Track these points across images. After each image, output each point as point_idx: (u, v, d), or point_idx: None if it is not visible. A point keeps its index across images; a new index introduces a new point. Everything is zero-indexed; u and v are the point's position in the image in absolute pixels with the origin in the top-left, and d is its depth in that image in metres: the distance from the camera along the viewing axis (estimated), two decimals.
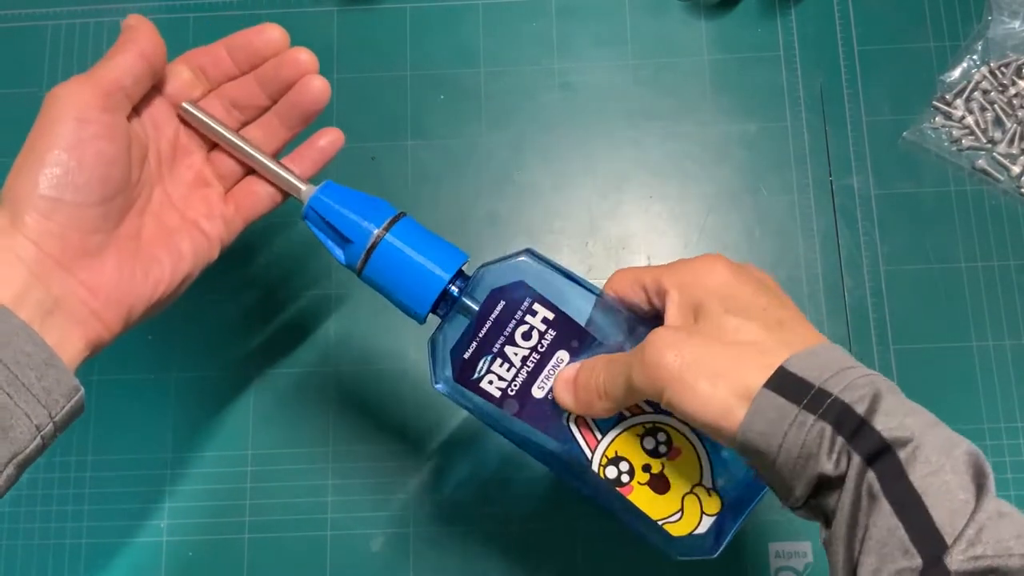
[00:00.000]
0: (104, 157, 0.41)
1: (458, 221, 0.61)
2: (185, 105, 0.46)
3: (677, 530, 0.43)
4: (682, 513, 0.43)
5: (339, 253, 0.45)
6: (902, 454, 0.34)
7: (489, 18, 0.64)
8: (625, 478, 0.43)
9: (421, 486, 0.57)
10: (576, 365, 0.43)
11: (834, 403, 0.35)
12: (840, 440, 0.35)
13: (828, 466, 0.35)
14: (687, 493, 0.43)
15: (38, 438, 0.39)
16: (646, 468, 0.43)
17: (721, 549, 0.43)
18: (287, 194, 0.48)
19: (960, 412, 0.57)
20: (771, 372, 0.37)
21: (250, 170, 0.48)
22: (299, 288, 0.60)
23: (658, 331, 0.39)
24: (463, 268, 0.44)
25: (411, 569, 0.56)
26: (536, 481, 0.57)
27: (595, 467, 0.43)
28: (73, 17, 0.65)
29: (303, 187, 0.46)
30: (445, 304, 0.44)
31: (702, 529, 0.43)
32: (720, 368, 0.37)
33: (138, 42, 0.43)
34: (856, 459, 0.35)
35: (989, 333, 0.58)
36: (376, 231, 0.44)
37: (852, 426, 0.35)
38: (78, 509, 0.57)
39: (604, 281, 0.44)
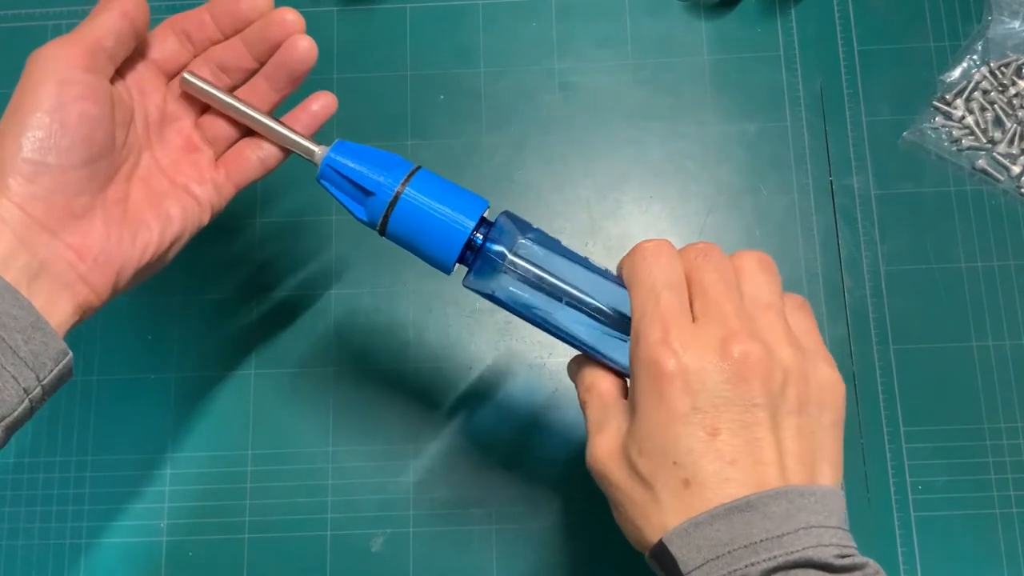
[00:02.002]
0: (88, 118, 0.41)
1: None
2: (186, 76, 0.46)
3: None
4: None
5: (360, 211, 0.45)
6: None
7: (489, 18, 0.64)
8: None
9: (421, 486, 0.57)
10: (575, 367, 0.44)
11: None
12: None
13: None
14: None
15: (26, 401, 0.39)
16: None
17: None
18: (279, 160, 0.48)
19: (960, 412, 0.57)
20: (657, 538, 0.36)
21: (241, 136, 0.48)
22: (299, 288, 0.60)
23: (594, 446, 0.40)
24: (484, 214, 0.44)
25: (411, 569, 0.56)
26: (538, 481, 0.57)
27: None
28: (73, 17, 0.65)
29: (316, 148, 0.46)
30: (471, 252, 0.44)
31: None
32: (625, 517, 0.38)
33: (120, 1, 0.43)
34: None
35: (989, 333, 0.58)
36: (396, 187, 0.43)
37: None
38: (78, 509, 0.57)
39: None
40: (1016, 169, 0.60)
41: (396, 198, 0.43)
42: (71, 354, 0.41)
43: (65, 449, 0.58)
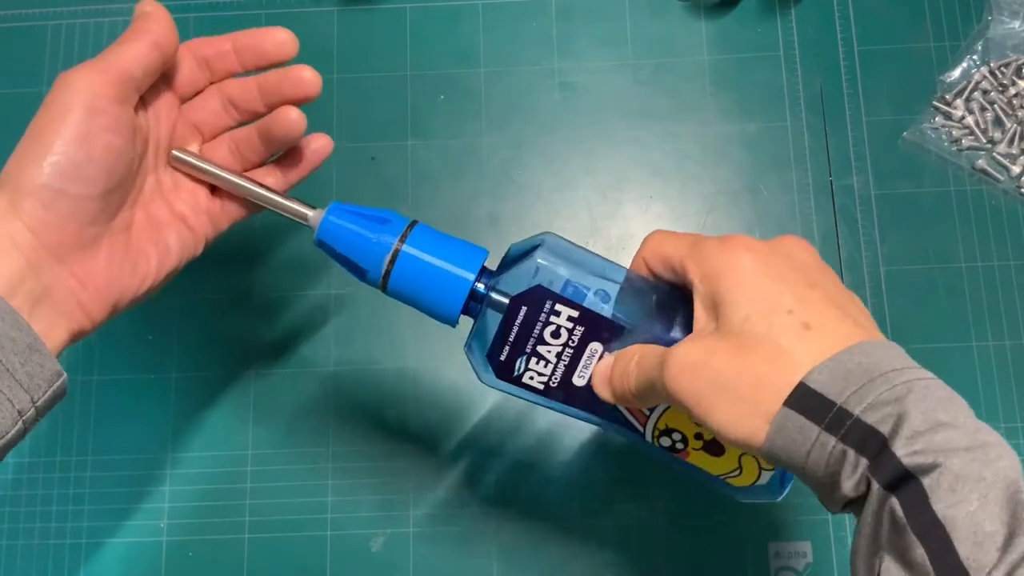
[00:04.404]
0: (112, 150, 0.41)
1: (458, 221, 0.61)
2: (176, 153, 0.46)
3: (739, 482, 0.44)
4: (741, 470, 0.43)
5: (359, 271, 0.44)
6: (926, 481, 0.32)
7: (489, 18, 0.64)
8: (680, 445, 0.44)
9: (421, 486, 0.57)
10: (610, 360, 0.42)
11: (855, 424, 0.34)
12: (863, 462, 0.34)
13: (848, 488, 0.34)
14: (743, 453, 0.43)
15: (20, 423, 0.39)
16: (698, 436, 0.43)
17: (785, 493, 0.43)
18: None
19: None
20: (791, 389, 0.35)
21: (243, 168, 0.48)
22: (299, 288, 0.60)
23: (677, 351, 0.38)
24: (485, 264, 0.44)
25: (411, 569, 0.56)
26: (537, 481, 0.57)
27: (648, 438, 0.44)
28: (73, 17, 0.65)
29: (310, 213, 0.45)
30: (475, 303, 0.43)
31: (763, 481, 0.43)
32: (740, 389, 0.36)
33: (152, 31, 0.42)
34: (875, 485, 0.33)
35: (989, 333, 0.58)
36: (393, 243, 0.43)
37: (874, 449, 0.33)
38: (78, 509, 0.57)
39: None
40: (1016, 169, 0.60)
41: (396, 254, 0.43)
42: (65, 375, 0.40)
43: (65, 449, 0.58)
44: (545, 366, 0.43)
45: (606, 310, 0.42)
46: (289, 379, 0.59)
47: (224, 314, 0.60)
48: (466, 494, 0.57)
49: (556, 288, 0.42)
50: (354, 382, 0.59)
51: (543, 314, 0.42)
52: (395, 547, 0.56)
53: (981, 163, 0.60)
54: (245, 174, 0.47)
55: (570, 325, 0.42)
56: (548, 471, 0.57)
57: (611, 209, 0.61)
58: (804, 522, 0.56)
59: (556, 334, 0.42)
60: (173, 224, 0.46)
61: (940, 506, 0.32)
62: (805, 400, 0.35)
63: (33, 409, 0.39)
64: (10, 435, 0.39)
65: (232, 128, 0.48)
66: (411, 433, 0.58)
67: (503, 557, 0.56)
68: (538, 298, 0.42)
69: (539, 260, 0.42)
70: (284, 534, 0.56)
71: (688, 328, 0.40)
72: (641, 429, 0.44)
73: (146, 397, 0.59)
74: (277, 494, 0.57)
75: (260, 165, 0.48)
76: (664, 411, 0.43)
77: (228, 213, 0.48)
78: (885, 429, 0.33)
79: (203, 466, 0.58)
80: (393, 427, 0.58)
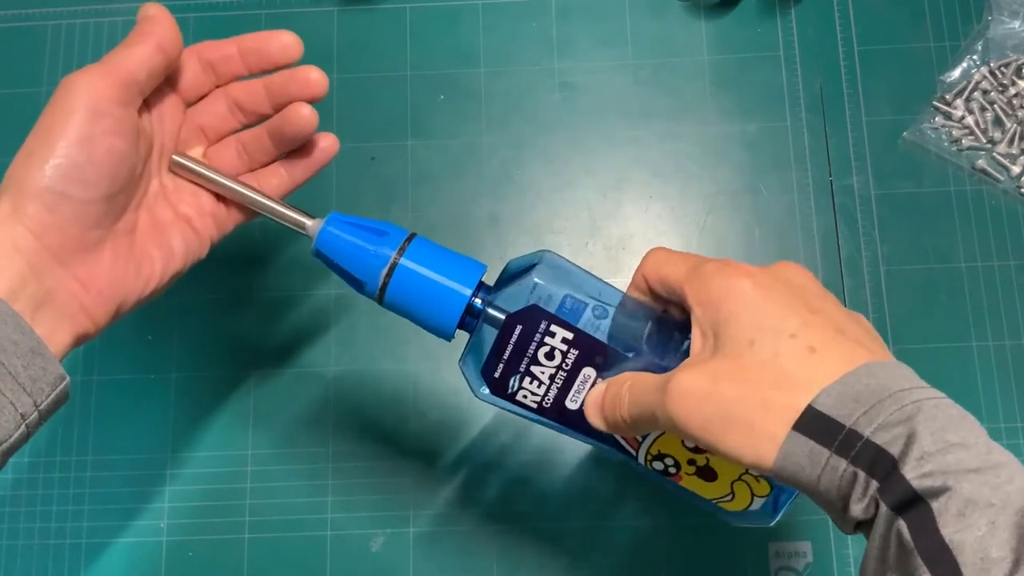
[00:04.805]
0: (115, 153, 0.41)
1: (458, 221, 0.61)
2: (176, 158, 0.46)
3: (731, 507, 0.44)
4: (733, 495, 0.43)
5: (356, 283, 0.44)
6: (935, 505, 0.32)
7: (489, 18, 0.64)
8: (672, 470, 0.44)
9: (421, 486, 0.57)
10: (602, 387, 0.42)
11: (866, 446, 0.33)
12: (873, 484, 0.33)
13: (858, 511, 0.34)
14: (735, 480, 0.43)
15: (23, 427, 0.39)
16: (691, 462, 0.43)
17: (778, 518, 0.43)
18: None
19: None
20: (799, 413, 0.35)
21: (247, 170, 0.48)
22: (300, 288, 0.60)
23: (680, 378, 0.37)
24: (482, 279, 0.44)
25: (411, 569, 0.56)
26: (536, 481, 0.57)
27: (641, 461, 0.44)
28: (73, 17, 0.65)
29: (309, 222, 0.45)
30: (471, 318, 0.43)
31: (756, 507, 0.43)
32: (747, 416, 0.36)
33: (156, 34, 0.42)
34: (884, 507, 0.33)
35: (989, 333, 0.58)
36: (391, 256, 0.43)
37: (884, 471, 0.33)
38: (78, 509, 0.57)
39: (615, 281, 0.44)
40: (1016, 169, 0.60)
41: (393, 266, 0.43)
42: (68, 379, 0.40)
43: (65, 449, 0.58)
44: (539, 387, 0.43)
45: (602, 330, 0.42)
46: (290, 379, 0.59)
47: (224, 314, 0.60)
48: (466, 494, 0.57)
49: (551, 307, 0.42)
50: (355, 382, 0.59)
51: (538, 334, 0.42)
52: (395, 547, 0.56)
53: (981, 163, 0.60)
54: (244, 181, 0.47)
55: (564, 348, 0.42)
56: (549, 470, 0.57)
57: (611, 209, 0.61)
58: (804, 522, 0.56)
59: (550, 355, 0.42)
60: (178, 227, 0.46)
61: (948, 531, 0.32)
62: (814, 423, 0.35)
63: (36, 413, 0.39)
64: (13, 439, 0.39)
65: (238, 131, 0.48)
66: (411, 434, 0.58)
67: (503, 556, 0.56)
68: (533, 317, 0.42)
69: (536, 279, 0.42)
70: (284, 534, 0.56)
71: (682, 355, 0.40)
72: (634, 453, 0.44)
73: (146, 397, 0.59)
74: (277, 494, 0.57)
75: (268, 165, 0.48)
76: (657, 437, 0.43)
77: (233, 216, 0.48)
78: (895, 450, 0.33)
79: (203, 466, 0.58)
80: (393, 428, 0.58)
